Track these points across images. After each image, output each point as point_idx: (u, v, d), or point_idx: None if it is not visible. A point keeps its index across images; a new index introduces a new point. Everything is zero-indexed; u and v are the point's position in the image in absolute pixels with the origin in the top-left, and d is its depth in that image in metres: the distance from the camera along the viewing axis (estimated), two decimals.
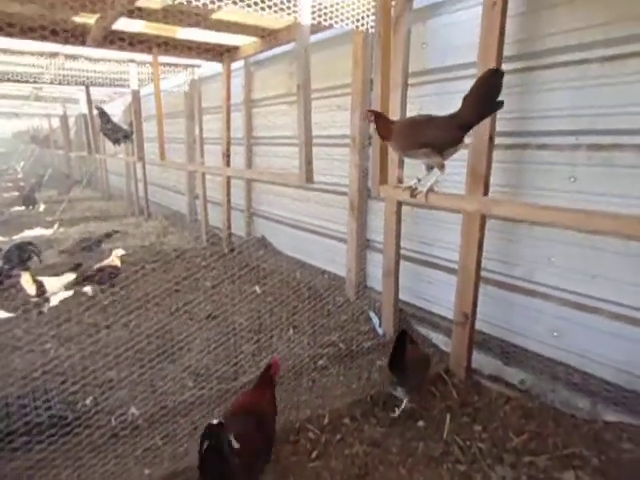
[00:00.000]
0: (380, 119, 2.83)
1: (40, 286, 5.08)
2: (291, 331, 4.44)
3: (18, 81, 8.33)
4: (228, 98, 6.49)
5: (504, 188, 3.49)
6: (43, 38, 5.11)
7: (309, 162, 3.45)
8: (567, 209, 1.91)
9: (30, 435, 2.70)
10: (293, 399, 3.33)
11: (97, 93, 10.39)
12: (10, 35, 4.89)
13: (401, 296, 4.46)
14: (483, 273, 3.66)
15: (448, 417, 3.12)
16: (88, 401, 3.37)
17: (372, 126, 2.93)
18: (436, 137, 2.57)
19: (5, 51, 6.58)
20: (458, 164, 3.56)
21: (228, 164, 6.66)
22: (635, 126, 2.76)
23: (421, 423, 3.09)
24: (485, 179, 3.13)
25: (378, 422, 3.11)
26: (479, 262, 3.44)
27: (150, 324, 4.56)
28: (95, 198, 13.96)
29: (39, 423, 2.79)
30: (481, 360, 3.81)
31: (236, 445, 2.24)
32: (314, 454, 2.80)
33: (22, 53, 6.77)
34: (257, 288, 5.32)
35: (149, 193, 10.99)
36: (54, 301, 5.30)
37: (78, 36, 5.28)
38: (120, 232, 7.97)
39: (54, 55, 6.80)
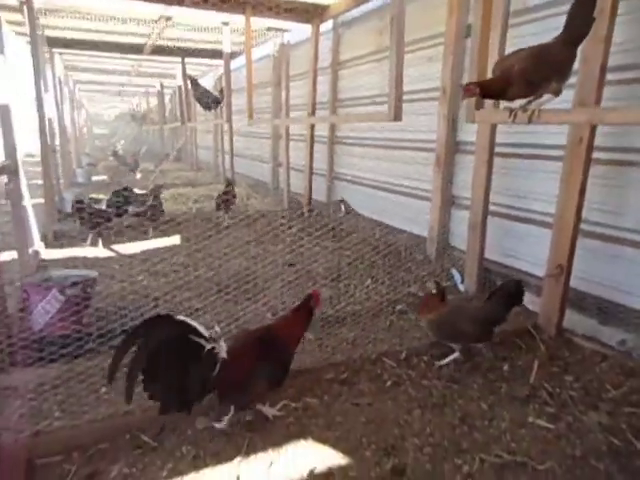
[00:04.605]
0: (484, 84, 2.47)
1: None
2: (369, 281, 4.40)
3: (124, 51, 9.00)
4: (316, 60, 6.49)
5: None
6: None
7: (399, 99, 3.34)
8: None
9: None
10: (370, 336, 3.29)
11: (191, 69, 10.96)
12: None
13: (486, 254, 4.25)
14: (582, 226, 3.38)
15: (536, 364, 2.93)
16: None
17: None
18: (562, 65, 2.36)
19: (112, 18, 7.10)
20: None
21: (312, 129, 6.72)
22: None
23: (506, 367, 2.93)
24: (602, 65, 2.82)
25: (459, 365, 2.98)
26: (580, 207, 3.16)
27: (233, 267, 4.74)
28: (184, 169, 14.77)
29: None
30: (574, 319, 3.52)
31: (223, 354, 2.21)
32: (389, 383, 2.75)
33: (125, 21, 7.27)
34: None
35: (234, 164, 11.43)
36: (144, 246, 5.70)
37: None
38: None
39: (155, 22, 7.23)
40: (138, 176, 13.03)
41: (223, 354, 2.22)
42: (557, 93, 2.40)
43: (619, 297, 3.34)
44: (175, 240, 5.97)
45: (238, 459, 2.14)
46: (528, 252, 4.03)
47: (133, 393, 2.01)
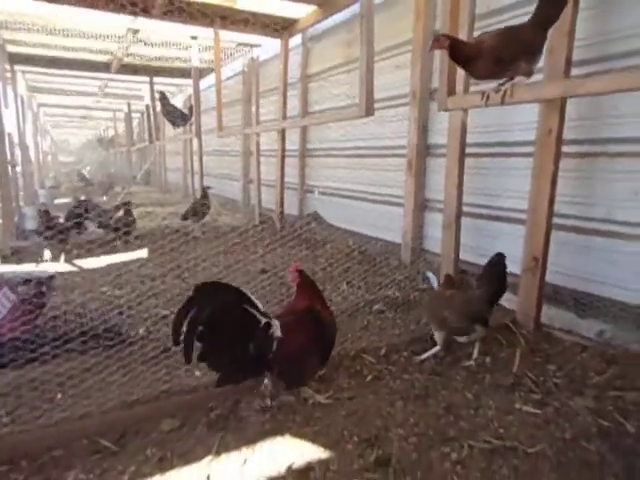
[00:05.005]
0: (455, 42, 2.50)
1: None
2: (345, 285, 4.29)
3: (91, 69, 8.84)
4: (285, 72, 6.51)
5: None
6: (111, 8, 5.37)
7: (370, 93, 3.33)
8: None
9: (86, 341, 2.68)
10: (347, 334, 3.16)
11: (160, 89, 10.88)
12: (81, 4, 5.18)
13: (462, 256, 4.21)
14: (555, 219, 3.39)
15: (518, 356, 2.86)
16: (141, 330, 3.34)
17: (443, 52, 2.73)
18: (530, 46, 2.38)
19: (77, 34, 6.97)
20: None
21: (283, 140, 6.68)
22: None
23: (488, 360, 2.84)
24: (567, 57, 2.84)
25: (439, 359, 2.88)
26: (552, 198, 3.16)
27: (203, 276, 4.56)
28: (153, 191, 14.50)
29: (96, 332, 2.78)
30: (551, 314, 3.49)
31: (279, 333, 2.13)
32: (369, 377, 2.62)
33: (91, 36, 7.15)
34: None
35: (204, 183, 11.28)
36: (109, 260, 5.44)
37: (144, 7, 5.48)
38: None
39: (121, 37, 7.14)
40: (105, 198, 12.71)
41: (278, 332, 2.16)
42: (528, 74, 2.41)
43: (594, 288, 3.34)
44: (142, 253, 5.74)
45: (209, 458, 1.96)
46: (503, 251, 3.99)
47: (192, 354, 1.99)
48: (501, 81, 2.45)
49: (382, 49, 5.09)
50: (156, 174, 15.97)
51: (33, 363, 2.55)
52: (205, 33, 6.59)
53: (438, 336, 2.88)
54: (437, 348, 2.87)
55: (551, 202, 3.19)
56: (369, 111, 3.33)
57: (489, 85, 2.67)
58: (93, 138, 28.67)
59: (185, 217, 6.92)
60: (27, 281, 2.69)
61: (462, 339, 2.84)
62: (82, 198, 6.48)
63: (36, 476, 1.89)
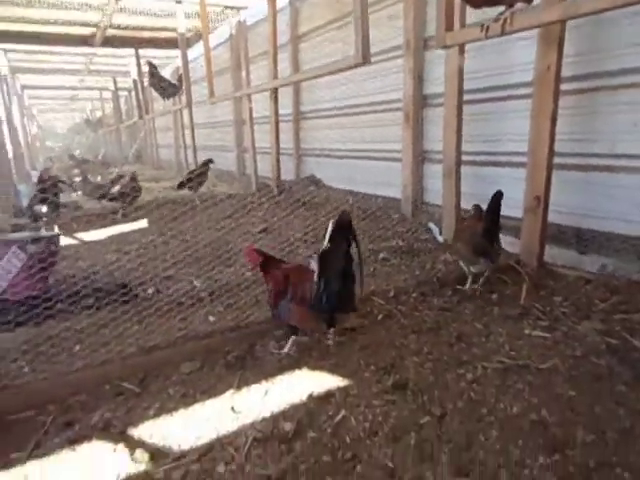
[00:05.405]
0: None
1: None
2: None
3: (73, 43, 8.64)
4: (274, 33, 6.36)
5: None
6: None
7: (365, 37, 3.24)
8: None
9: (99, 297, 2.70)
10: None
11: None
12: None
13: (463, 204, 4.22)
14: (556, 159, 3.39)
15: (524, 290, 2.91)
16: (150, 290, 3.36)
17: None
18: None
19: (58, 5, 6.79)
20: None
21: (276, 101, 6.59)
22: None
23: (495, 296, 2.89)
24: None
25: (447, 298, 2.93)
26: (552, 136, 3.16)
27: (207, 238, 4.57)
28: (146, 169, 14.37)
29: (107, 290, 2.80)
30: (553, 253, 3.53)
31: None
32: (380, 316, 2.66)
33: (73, 6, 6.96)
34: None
35: (197, 158, 11.16)
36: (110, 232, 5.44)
37: None
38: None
39: (104, 7, 6.96)
40: (99, 178, 12.61)
41: None
42: (528, 1, 2.38)
43: (595, 224, 3.37)
44: (142, 224, 5.73)
45: (231, 392, 2.01)
46: (504, 195, 4.03)
47: None
48: (502, 9, 2.41)
49: (375, 0, 5.00)
50: (147, 152, 15.79)
51: (49, 320, 2.58)
52: None
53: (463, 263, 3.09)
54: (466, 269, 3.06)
55: (552, 140, 3.18)
56: (366, 58, 3.25)
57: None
58: (80, 121, 28.18)
59: (181, 185, 6.87)
60: (35, 240, 2.69)
61: (472, 268, 2.96)
62: (52, 174, 6.42)
63: (63, 417, 1.93)
